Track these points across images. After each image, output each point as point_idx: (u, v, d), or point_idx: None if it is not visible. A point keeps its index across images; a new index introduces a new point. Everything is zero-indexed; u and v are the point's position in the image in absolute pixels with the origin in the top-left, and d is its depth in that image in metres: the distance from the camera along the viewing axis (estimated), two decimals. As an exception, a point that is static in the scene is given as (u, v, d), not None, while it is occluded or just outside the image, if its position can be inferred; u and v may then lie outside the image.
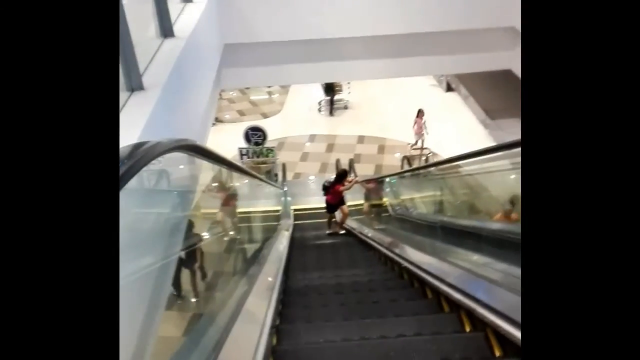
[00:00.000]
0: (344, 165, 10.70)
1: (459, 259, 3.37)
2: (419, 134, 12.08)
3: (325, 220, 9.61)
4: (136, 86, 3.19)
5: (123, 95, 3.09)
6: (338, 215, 8.91)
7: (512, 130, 11.04)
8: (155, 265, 2.07)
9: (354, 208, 9.55)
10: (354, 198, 9.57)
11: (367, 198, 9.81)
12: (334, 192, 8.23)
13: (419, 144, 12.27)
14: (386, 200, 8.12)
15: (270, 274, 3.97)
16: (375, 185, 8.85)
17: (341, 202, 8.52)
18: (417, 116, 12.01)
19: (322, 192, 8.86)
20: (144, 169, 1.23)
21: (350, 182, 8.19)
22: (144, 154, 1.25)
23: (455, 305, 2.86)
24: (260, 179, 6.55)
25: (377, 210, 8.76)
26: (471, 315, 2.60)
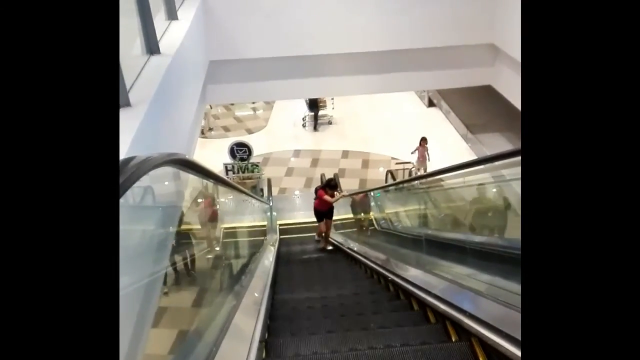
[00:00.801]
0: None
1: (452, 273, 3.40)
2: (422, 161, 11.67)
3: (311, 234, 9.64)
4: (123, 102, 3.21)
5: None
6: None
7: (493, 144, 11.20)
8: (141, 282, 2.07)
9: (339, 222, 9.53)
10: (338, 212, 9.32)
11: (353, 212, 9.82)
12: (320, 198, 7.93)
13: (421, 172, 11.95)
14: (372, 214, 7.99)
15: (257, 289, 3.98)
16: (363, 198, 8.68)
17: (330, 212, 8.29)
18: (420, 144, 11.58)
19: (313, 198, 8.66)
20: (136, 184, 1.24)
21: (336, 195, 7.82)
22: (135, 169, 1.25)
23: (441, 316, 2.90)
24: (248, 194, 6.53)
25: (362, 225, 8.66)
26: (457, 325, 2.64)
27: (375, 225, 8.35)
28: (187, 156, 1.62)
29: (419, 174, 11.77)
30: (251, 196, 6.85)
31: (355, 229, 9.67)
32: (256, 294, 3.65)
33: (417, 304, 3.54)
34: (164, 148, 3.88)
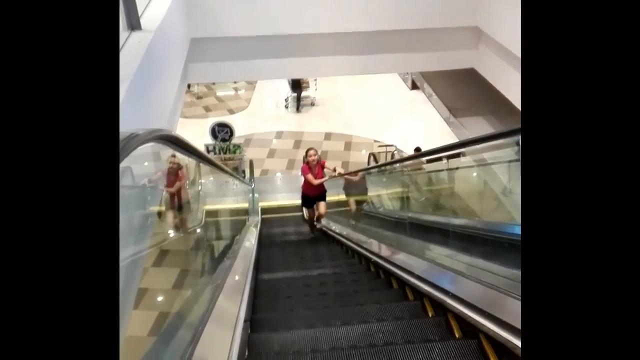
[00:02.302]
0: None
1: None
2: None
3: (293, 214, 9.55)
4: (103, 79, 3.13)
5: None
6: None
7: (475, 128, 11.27)
8: (123, 263, 2.04)
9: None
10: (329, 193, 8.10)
11: (347, 193, 8.38)
12: (305, 179, 6.71)
13: None
14: (370, 195, 7.08)
15: (239, 270, 3.97)
16: (359, 177, 7.30)
17: (322, 195, 6.93)
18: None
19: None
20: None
21: (333, 170, 6.56)
22: (122, 146, 1.22)
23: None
24: (230, 173, 6.44)
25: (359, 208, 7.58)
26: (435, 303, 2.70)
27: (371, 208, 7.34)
28: (173, 132, 1.57)
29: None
30: (233, 176, 6.69)
31: (342, 211, 8.51)
32: (238, 276, 3.63)
33: (397, 283, 3.58)
34: (146, 125, 3.82)
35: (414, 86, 15.68)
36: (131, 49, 3.71)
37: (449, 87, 13.77)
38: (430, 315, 2.72)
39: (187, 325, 2.06)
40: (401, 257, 3.76)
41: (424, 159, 4.61)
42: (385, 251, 4.35)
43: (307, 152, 6.57)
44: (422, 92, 15.24)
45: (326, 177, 6.59)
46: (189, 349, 1.60)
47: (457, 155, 3.54)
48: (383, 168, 6.87)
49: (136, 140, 1.14)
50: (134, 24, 4.09)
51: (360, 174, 7.20)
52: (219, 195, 6.90)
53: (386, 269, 3.89)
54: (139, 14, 4.22)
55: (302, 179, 6.93)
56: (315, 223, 7.69)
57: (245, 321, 2.43)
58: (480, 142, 2.72)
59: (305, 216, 7.92)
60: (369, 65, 7.80)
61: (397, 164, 5.72)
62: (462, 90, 12.99)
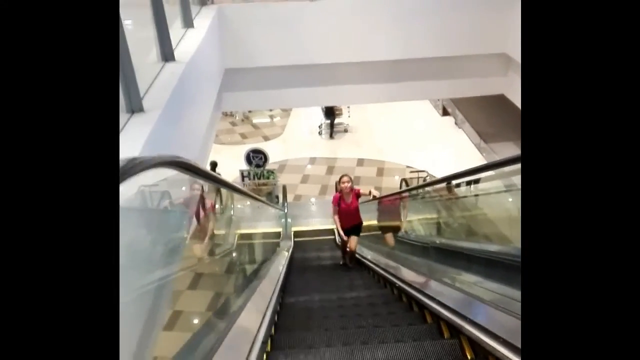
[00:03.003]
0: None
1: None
2: None
3: (326, 238, 9.47)
4: (136, 108, 3.32)
5: (123, 117, 3.21)
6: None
7: (506, 153, 11.08)
8: (151, 285, 2.14)
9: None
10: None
11: (380, 220, 7.57)
12: (343, 202, 6.01)
13: None
14: (406, 222, 6.24)
15: (267, 291, 4.05)
16: (394, 202, 6.61)
17: (356, 228, 6.28)
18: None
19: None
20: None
21: (369, 194, 6.02)
22: (123, 171, 1.26)
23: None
24: (254, 197, 6.44)
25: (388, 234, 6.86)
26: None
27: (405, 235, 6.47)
28: (181, 158, 1.66)
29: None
30: (255, 198, 6.32)
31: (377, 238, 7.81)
32: (264, 297, 3.71)
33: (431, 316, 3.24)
34: (177, 152, 3.99)
35: (445, 112, 15.67)
36: (164, 79, 3.91)
37: (479, 113, 13.72)
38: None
39: (205, 341, 2.14)
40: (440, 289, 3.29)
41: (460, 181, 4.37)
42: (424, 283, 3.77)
43: (340, 179, 6.10)
44: (454, 118, 15.22)
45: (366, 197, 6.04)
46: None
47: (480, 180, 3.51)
48: (420, 191, 5.92)
49: (139, 165, 1.17)
50: (168, 56, 4.32)
51: (394, 199, 6.57)
52: (251, 220, 7.05)
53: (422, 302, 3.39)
54: (173, 47, 4.46)
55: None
56: (346, 256, 6.80)
57: (263, 342, 2.50)
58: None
59: (338, 241, 7.10)
60: (398, 92, 7.90)
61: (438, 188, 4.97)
62: (492, 116, 12.92)
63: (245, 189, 3.95)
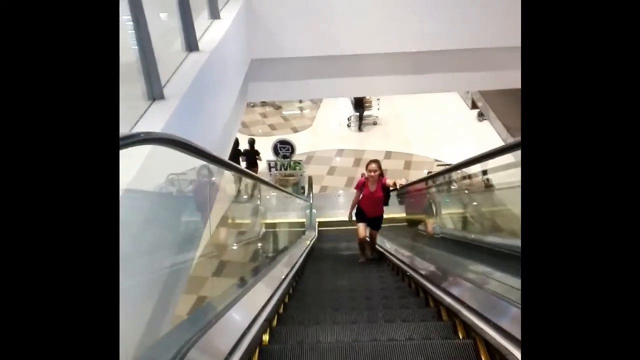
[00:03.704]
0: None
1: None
2: None
3: (350, 228, 9.30)
4: (157, 96, 3.46)
5: (144, 104, 3.36)
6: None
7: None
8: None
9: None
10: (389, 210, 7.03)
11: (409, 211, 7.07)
12: (366, 190, 5.74)
13: None
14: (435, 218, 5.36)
15: (280, 274, 4.17)
16: (421, 192, 5.86)
17: (377, 220, 6.08)
18: None
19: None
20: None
21: (393, 185, 5.64)
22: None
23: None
24: (265, 182, 5.88)
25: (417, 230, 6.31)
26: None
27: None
28: (174, 135, 1.72)
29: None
30: (265, 183, 5.91)
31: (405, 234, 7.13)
32: (276, 279, 3.84)
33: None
34: (195, 139, 4.13)
35: (474, 105, 15.50)
36: (186, 68, 4.05)
37: (506, 107, 13.53)
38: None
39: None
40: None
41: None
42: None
43: (367, 164, 5.72)
44: (482, 111, 15.07)
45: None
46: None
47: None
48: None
49: (126, 139, 1.21)
50: (192, 46, 4.45)
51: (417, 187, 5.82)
52: (275, 210, 7.18)
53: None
54: (198, 37, 4.59)
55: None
56: (367, 249, 6.46)
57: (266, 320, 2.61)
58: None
59: (359, 234, 6.22)
60: (424, 84, 7.89)
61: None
62: (519, 109, 12.73)
63: (257, 175, 3.93)
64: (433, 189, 5.38)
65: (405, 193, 6.43)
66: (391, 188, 5.76)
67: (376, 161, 5.73)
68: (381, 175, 5.75)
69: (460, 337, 2.49)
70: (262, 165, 12.06)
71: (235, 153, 11.37)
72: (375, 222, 6.07)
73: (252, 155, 11.80)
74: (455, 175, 4.67)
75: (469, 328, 2.43)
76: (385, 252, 6.54)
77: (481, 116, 15.07)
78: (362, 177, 5.89)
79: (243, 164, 11.72)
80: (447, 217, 5.08)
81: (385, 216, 6.26)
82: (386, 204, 5.96)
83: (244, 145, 11.95)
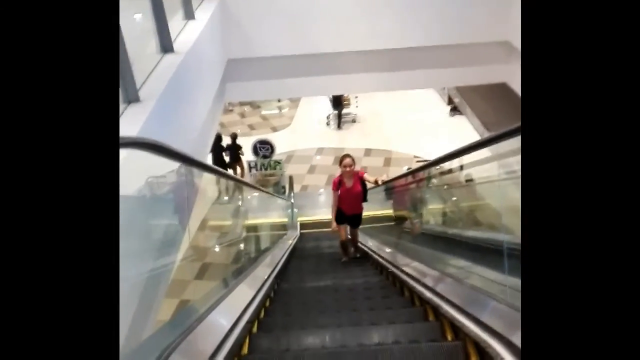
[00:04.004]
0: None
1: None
2: None
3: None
4: (132, 98, 3.41)
5: (120, 107, 3.31)
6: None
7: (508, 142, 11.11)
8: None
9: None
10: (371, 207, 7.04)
11: (395, 207, 6.81)
12: (343, 187, 5.54)
13: None
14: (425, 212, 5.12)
15: (262, 275, 4.15)
16: (405, 188, 5.75)
17: (356, 218, 5.98)
18: None
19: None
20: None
21: (374, 182, 5.47)
22: None
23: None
24: (244, 183, 6.09)
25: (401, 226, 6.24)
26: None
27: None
28: (145, 138, 1.70)
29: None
30: (244, 183, 6.02)
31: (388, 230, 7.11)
32: (257, 281, 3.82)
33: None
34: (172, 141, 4.09)
35: (450, 101, 15.65)
36: (161, 70, 4.00)
37: (483, 102, 13.70)
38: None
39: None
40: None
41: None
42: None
43: (340, 160, 5.58)
44: (456, 107, 15.24)
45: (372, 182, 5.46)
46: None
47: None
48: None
49: None
50: (167, 47, 4.40)
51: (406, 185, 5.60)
52: (256, 210, 7.15)
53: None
54: (173, 39, 4.54)
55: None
56: (349, 249, 6.35)
57: (248, 322, 2.59)
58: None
59: (340, 236, 6.10)
60: (401, 81, 7.92)
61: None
62: (495, 104, 12.90)
63: (226, 172, 3.88)
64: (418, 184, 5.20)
65: (392, 188, 6.32)
66: (370, 186, 5.66)
67: (349, 155, 5.59)
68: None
69: (449, 339, 2.45)
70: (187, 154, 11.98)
71: (218, 148, 11.61)
72: (354, 220, 5.99)
73: (234, 150, 11.99)
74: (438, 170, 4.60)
75: (457, 329, 2.36)
76: (368, 250, 6.43)
77: (453, 111, 15.26)
78: (337, 176, 5.65)
79: (226, 159, 11.98)
80: (434, 212, 4.95)
81: (366, 213, 6.20)
82: (364, 199, 5.79)
83: (226, 141, 12.04)
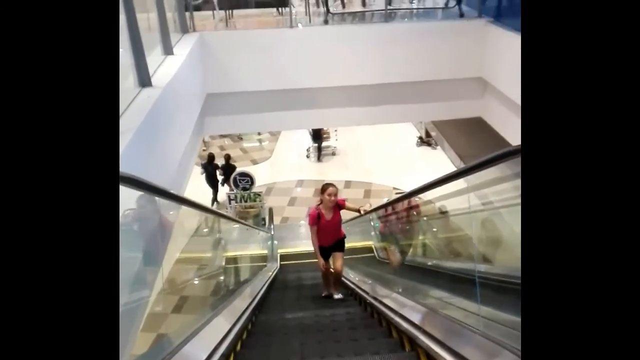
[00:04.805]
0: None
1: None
2: None
3: (312, 261, 9.18)
4: (110, 132, 3.44)
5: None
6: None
7: (484, 175, 11.31)
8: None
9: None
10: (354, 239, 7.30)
11: (384, 239, 6.33)
12: (321, 219, 5.06)
13: None
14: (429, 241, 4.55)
15: (240, 307, 4.14)
16: (404, 214, 4.99)
17: (341, 243, 5.37)
18: None
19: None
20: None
21: (357, 211, 5.35)
22: None
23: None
24: (223, 216, 5.80)
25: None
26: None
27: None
28: (126, 173, 1.75)
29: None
30: (224, 216, 5.82)
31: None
32: (234, 313, 3.80)
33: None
34: (149, 175, 4.11)
35: (428, 135, 15.93)
36: (139, 104, 4.05)
37: (458, 135, 13.96)
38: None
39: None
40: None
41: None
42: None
43: (323, 188, 5.12)
44: (427, 143, 15.56)
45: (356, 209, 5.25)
46: None
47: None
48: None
49: None
50: (145, 81, 4.46)
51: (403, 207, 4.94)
52: (239, 242, 7.14)
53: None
54: (151, 73, 4.61)
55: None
56: (331, 282, 5.73)
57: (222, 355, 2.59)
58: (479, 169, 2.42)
59: (321, 267, 5.41)
60: (379, 115, 8.08)
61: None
62: (471, 138, 13.17)
63: (199, 203, 3.81)
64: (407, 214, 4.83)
65: (381, 217, 5.96)
66: (351, 215, 5.38)
67: (332, 184, 5.16)
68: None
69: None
70: (221, 199, 12.02)
71: (211, 168, 12.48)
72: (338, 245, 5.32)
73: (228, 170, 12.55)
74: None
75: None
76: (352, 285, 6.10)
77: (421, 142, 15.75)
78: (313, 208, 5.18)
79: (220, 178, 12.66)
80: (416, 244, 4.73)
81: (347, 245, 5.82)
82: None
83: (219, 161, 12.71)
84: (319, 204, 5.14)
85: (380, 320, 3.98)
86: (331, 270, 5.48)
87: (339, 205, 5.15)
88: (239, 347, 3.27)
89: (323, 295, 5.79)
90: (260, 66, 7.07)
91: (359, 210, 5.31)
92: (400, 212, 5.04)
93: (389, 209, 5.53)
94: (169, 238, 3.48)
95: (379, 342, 3.17)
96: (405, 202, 4.74)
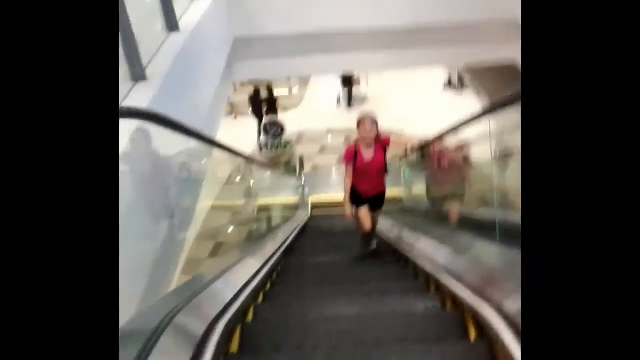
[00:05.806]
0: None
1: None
2: None
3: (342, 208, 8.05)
4: (139, 77, 3.46)
5: (127, 85, 3.36)
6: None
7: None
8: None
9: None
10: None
11: (429, 190, 5.07)
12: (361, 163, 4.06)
13: None
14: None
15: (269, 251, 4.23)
16: (453, 158, 4.15)
17: (379, 198, 4.40)
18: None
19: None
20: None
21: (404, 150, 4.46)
22: None
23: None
24: (245, 157, 4.99)
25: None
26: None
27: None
28: (143, 109, 1.74)
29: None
30: (246, 158, 5.03)
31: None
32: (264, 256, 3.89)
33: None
34: (180, 118, 4.14)
35: (459, 79, 15.51)
36: (168, 49, 4.04)
37: (490, 82, 13.55)
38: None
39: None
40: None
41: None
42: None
43: (358, 122, 4.13)
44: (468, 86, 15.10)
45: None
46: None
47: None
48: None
49: None
50: (173, 26, 4.42)
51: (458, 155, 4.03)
52: (270, 190, 7.24)
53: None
54: (178, 17, 4.56)
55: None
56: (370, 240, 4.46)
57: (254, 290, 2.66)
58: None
59: (362, 225, 4.33)
60: (409, 59, 7.89)
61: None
62: (502, 85, 12.78)
63: (236, 150, 3.60)
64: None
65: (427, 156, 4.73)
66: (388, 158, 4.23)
67: (370, 117, 4.07)
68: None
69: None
70: (253, 147, 12.08)
71: (257, 101, 13.19)
72: (376, 201, 4.37)
73: (272, 102, 13.25)
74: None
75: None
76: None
77: (449, 86, 15.40)
78: (350, 145, 4.21)
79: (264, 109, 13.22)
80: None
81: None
82: (386, 170, 4.26)
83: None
84: (357, 142, 4.18)
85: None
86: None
87: (383, 145, 4.10)
88: (268, 286, 3.35)
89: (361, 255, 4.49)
90: (287, 9, 6.91)
91: (406, 149, 4.52)
92: (453, 154, 4.12)
93: (438, 151, 4.38)
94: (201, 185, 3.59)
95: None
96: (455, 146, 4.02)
